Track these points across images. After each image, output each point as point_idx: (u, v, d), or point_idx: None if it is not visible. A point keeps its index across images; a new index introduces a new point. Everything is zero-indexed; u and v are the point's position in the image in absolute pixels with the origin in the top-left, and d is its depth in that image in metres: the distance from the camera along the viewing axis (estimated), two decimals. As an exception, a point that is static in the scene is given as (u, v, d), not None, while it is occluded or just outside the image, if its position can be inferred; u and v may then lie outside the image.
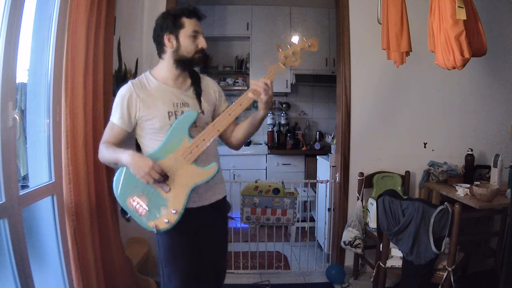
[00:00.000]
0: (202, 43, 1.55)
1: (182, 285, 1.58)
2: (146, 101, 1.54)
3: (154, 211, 1.47)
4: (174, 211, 1.46)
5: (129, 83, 1.57)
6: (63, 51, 1.88)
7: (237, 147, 1.74)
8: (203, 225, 1.65)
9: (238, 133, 1.69)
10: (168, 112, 1.54)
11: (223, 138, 1.72)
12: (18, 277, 1.54)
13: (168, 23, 1.52)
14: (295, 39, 1.58)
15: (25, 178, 1.87)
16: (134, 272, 2.41)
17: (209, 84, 1.70)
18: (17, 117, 1.57)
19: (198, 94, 1.62)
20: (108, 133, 1.57)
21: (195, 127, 1.54)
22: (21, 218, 1.59)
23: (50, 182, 1.89)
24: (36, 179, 1.88)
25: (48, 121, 1.90)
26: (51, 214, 1.89)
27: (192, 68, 1.62)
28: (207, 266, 1.70)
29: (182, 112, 1.54)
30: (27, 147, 1.87)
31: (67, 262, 1.90)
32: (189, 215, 1.52)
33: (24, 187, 1.77)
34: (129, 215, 1.49)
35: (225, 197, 1.76)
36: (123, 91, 1.55)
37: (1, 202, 1.49)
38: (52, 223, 1.89)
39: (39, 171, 1.90)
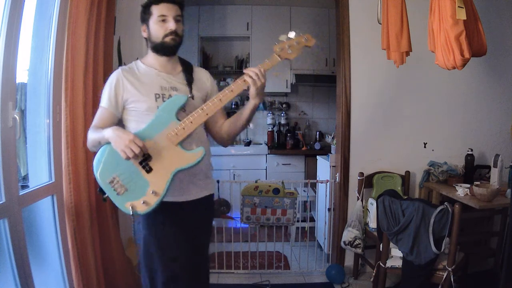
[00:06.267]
0: (170, 25, 1.54)
1: (163, 285, 1.53)
2: (133, 83, 1.55)
3: (133, 192, 1.41)
4: (154, 193, 1.40)
5: (119, 68, 1.61)
6: (63, 51, 1.89)
7: (226, 142, 1.71)
8: (186, 222, 1.58)
9: (228, 126, 1.66)
10: (155, 94, 1.54)
11: (212, 132, 1.69)
12: (18, 277, 1.54)
13: (142, 15, 1.59)
14: (291, 34, 1.57)
15: (25, 178, 1.87)
16: (134, 272, 2.41)
17: (202, 74, 1.71)
18: (17, 117, 1.57)
19: (189, 80, 1.62)
20: (97, 118, 1.57)
21: (183, 112, 1.51)
22: (21, 218, 1.59)
23: (50, 182, 1.89)
24: (36, 179, 1.88)
25: (48, 121, 1.90)
26: (51, 214, 1.89)
27: (169, 52, 1.60)
28: (190, 267, 1.62)
29: (170, 95, 1.54)
30: (27, 147, 1.87)
31: (67, 262, 1.90)
32: (173, 209, 1.49)
33: (24, 187, 1.77)
34: (106, 194, 1.43)
35: (212, 196, 1.71)
36: (112, 76, 1.58)
37: (1, 202, 1.49)
38: (52, 223, 1.89)
39: (39, 171, 1.90)
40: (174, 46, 1.58)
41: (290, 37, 1.55)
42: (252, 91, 1.50)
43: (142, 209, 1.40)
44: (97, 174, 1.42)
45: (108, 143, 1.43)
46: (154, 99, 1.53)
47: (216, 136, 1.71)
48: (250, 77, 1.47)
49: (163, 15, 1.54)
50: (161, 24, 1.54)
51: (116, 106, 1.55)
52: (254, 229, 3.36)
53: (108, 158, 1.43)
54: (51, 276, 1.91)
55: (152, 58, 1.63)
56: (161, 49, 1.58)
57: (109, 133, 1.41)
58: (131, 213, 1.40)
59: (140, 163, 1.43)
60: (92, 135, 1.50)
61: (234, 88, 1.49)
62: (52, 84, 1.89)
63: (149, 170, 1.42)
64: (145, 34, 1.61)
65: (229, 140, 1.71)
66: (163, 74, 1.60)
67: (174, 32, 1.55)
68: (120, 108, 1.56)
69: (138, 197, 1.40)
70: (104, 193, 1.44)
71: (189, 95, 1.56)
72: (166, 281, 1.53)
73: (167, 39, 1.55)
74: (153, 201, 1.40)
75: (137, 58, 1.68)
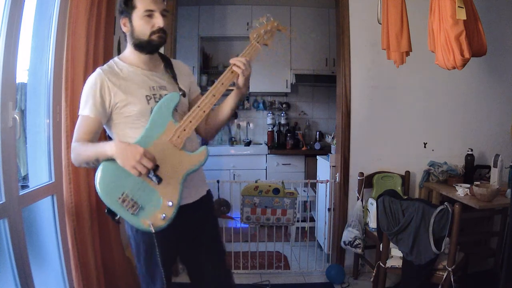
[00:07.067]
0: (158, 22, 1.39)
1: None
2: (120, 86, 1.39)
3: (147, 207, 1.31)
4: (170, 203, 1.32)
5: (98, 69, 1.42)
6: (63, 51, 1.89)
7: (212, 135, 1.65)
8: (189, 227, 1.51)
9: (215, 118, 1.60)
10: (146, 96, 1.42)
11: (198, 126, 1.58)
12: (18, 277, 1.54)
13: (122, 6, 1.41)
14: (263, 19, 1.60)
15: (25, 178, 1.87)
16: (134, 272, 2.40)
17: (181, 68, 1.60)
18: (17, 117, 1.56)
19: (174, 77, 1.52)
20: (80, 130, 1.38)
21: (175, 112, 1.43)
22: (21, 218, 1.59)
23: (50, 182, 1.89)
24: (36, 179, 1.88)
25: (48, 121, 1.90)
26: (51, 214, 1.89)
27: (153, 50, 1.47)
28: (191, 270, 1.57)
29: (161, 95, 1.43)
30: (27, 147, 1.87)
31: (67, 262, 1.90)
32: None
33: (24, 187, 1.77)
34: (118, 216, 1.31)
35: (209, 191, 1.63)
36: (92, 79, 1.39)
37: (1, 202, 1.49)
38: (52, 223, 1.89)
39: (39, 171, 1.90)
40: (160, 44, 1.45)
41: (263, 21, 1.57)
42: (241, 81, 1.48)
43: (163, 223, 1.32)
44: (102, 194, 1.29)
45: (108, 159, 1.30)
46: (146, 101, 1.41)
47: (201, 130, 1.61)
48: (239, 67, 1.45)
49: (150, 10, 1.38)
50: (147, 19, 1.39)
51: (104, 113, 1.39)
52: (254, 229, 3.36)
53: (113, 176, 1.30)
54: (51, 276, 1.91)
55: (134, 56, 1.47)
56: (146, 47, 1.43)
57: (112, 149, 1.27)
58: (153, 231, 1.30)
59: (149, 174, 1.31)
60: (84, 151, 1.33)
61: (225, 81, 1.46)
62: (52, 84, 1.89)
63: (159, 180, 1.31)
64: (125, 29, 1.42)
65: (215, 133, 1.66)
66: (148, 73, 1.47)
67: (161, 29, 1.41)
68: (108, 114, 1.41)
69: (154, 212, 1.32)
70: (114, 214, 1.31)
71: (180, 93, 1.47)
72: (166, 283, 1.50)
73: (155, 37, 1.40)
74: (171, 212, 1.33)
75: (116, 57, 1.52)
